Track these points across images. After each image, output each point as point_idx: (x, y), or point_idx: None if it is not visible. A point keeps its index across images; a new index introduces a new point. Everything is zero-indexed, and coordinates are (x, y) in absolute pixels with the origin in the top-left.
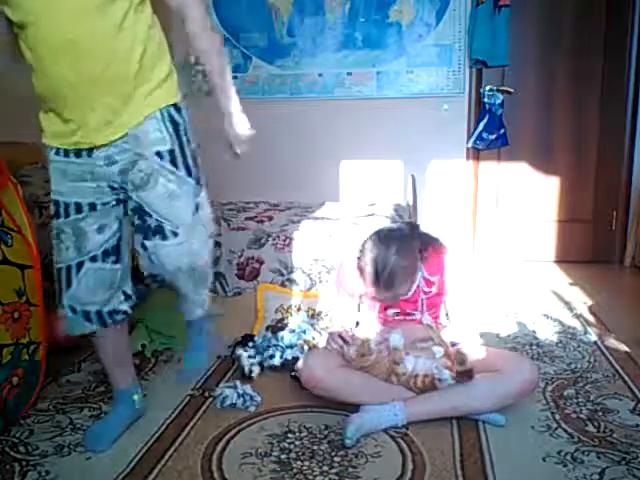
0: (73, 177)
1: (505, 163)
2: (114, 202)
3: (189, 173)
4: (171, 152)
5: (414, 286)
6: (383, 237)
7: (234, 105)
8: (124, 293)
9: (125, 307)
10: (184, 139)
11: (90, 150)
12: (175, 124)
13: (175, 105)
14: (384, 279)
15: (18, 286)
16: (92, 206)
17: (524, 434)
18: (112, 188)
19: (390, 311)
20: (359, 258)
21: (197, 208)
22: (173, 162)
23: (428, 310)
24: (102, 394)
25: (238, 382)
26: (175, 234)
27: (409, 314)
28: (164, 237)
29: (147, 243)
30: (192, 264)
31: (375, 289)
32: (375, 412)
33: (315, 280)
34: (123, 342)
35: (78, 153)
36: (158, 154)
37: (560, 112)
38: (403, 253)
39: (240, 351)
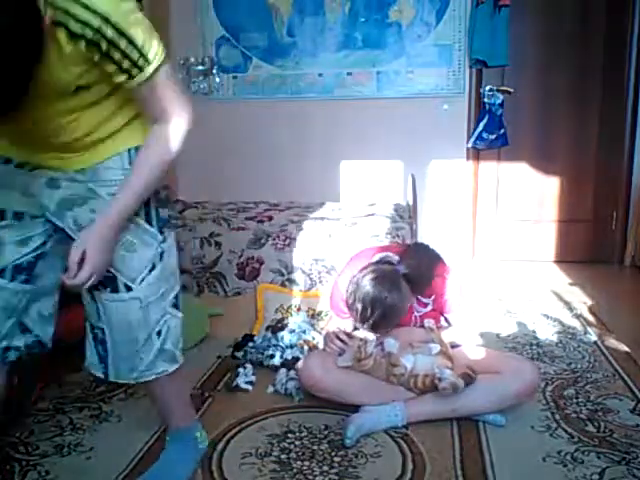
0: (3, 181)
1: (505, 163)
2: (45, 218)
3: (149, 221)
4: None
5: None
6: (377, 276)
7: (92, 235)
8: (21, 324)
9: (20, 343)
10: None
11: (33, 167)
12: None
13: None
14: (373, 320)
15: None
16: (18, 216)
17: (524, 434)
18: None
19: None
20: (349, 292)
21: (161, 257)
22: None
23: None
24: (102, 394)
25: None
26: (128, 288)
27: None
28: (115, 289)
29: (95, 293)
30: (144, 321)
31: (362, 325)
32: (375, 412)
33: (315, 280)
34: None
35: (20, 164)
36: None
37: (560, 112)
38: (395, 295)
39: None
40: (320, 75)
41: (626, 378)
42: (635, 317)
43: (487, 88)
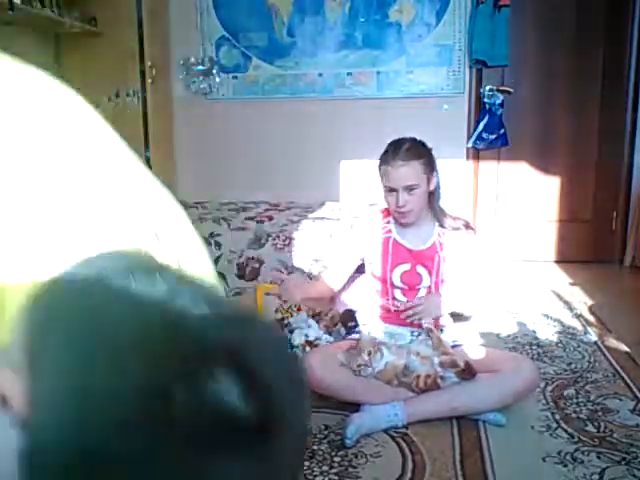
0: None
1: (505, 163)
2: None
3: None
4: None
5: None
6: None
7: None
8: None
9: None
10: None
11: None
12: None
13: None
14: (397, 150)
15: None
16: None
17: (524, 434)
18: None
19: (396, 291)
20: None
21: None
22: None
23: (438, 276)
24: None
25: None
26: None
27: (417, 286)
28: None
29: None
30: None
31: (388, 159)
32: (375, 412)
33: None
34: None
35: None
36: None
37: (560, 112)
38: (417, 144)
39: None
40: (320, 75)
41: (626, 378)
42: (635, 317)
43: (487, 88)
